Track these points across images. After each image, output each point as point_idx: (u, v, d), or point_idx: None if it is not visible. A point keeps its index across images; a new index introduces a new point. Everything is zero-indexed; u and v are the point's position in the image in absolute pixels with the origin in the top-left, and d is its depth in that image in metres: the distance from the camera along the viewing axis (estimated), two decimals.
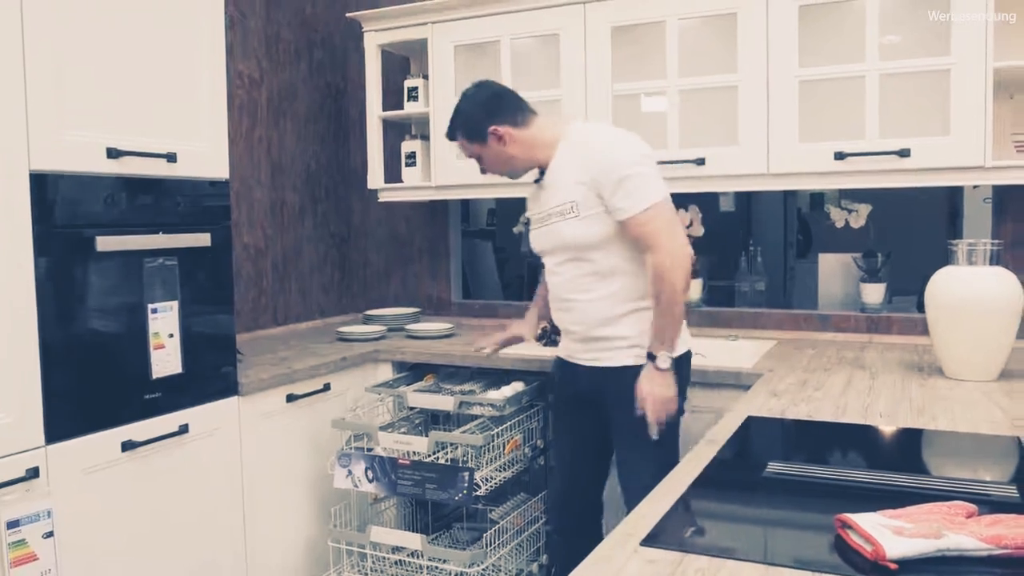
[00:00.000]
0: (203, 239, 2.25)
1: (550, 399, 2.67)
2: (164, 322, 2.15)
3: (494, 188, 3.13)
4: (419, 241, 3.67)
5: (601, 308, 2.15)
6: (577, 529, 2.34)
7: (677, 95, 2.77)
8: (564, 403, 2.35)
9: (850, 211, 2.93)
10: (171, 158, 2.16)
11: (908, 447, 1.71)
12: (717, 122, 2.74)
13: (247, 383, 2.41)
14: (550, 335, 2.87)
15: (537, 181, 2.25)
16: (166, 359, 2.16)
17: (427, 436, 2.50)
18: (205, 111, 2.28)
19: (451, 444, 2.48)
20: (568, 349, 2.29)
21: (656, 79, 2.80)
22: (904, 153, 2.47)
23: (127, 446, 2.06)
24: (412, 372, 2.91)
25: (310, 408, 2.66)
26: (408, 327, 3.23)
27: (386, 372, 2.94)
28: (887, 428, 1.77)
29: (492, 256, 4.18)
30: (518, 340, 2.57)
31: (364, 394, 2.81)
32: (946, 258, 2.24)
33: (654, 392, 2.06)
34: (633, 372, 2.12)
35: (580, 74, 2.89)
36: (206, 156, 2.28)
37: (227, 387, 2.36)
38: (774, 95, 2.63)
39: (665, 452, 2.11)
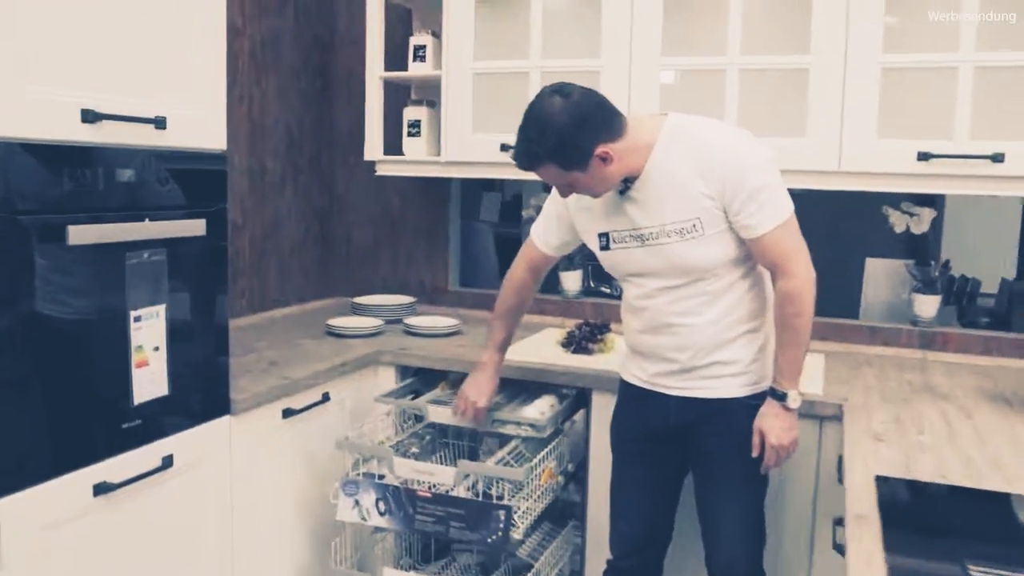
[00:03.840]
0: (197, 227, 1.81)
1: (587, 418, 2.33)
2: (149, 332, 1.72)
3: (515, 168, 2.74)
4: (413, 219, 3.25)
5: (713, 332, 1.83)
6: (645, 567, 2.07)
7: (737, 75, 2.42)
8: (640, 437, 1.99)
9: (912, 215, 2.65)
10: (160, 124, 1.71)
11: None
12: (782, 109, 2.40)
13: (240, 400, 2.00)
14: (579, 341, 2.53)
15: (622, 193, 1.82)
16: (150, 379, 1.73)
17: (438, 456, 2.14)
18: (200, 67, 1.83)
19: (484, 477, 2.11)
20: (651, 376, 1.94)
21: (713, 55, 2.44)
22: (997, 158, 2.19)
23: (100, 489, 1.64)
24: (417, 377, 2.53)
25: (308, 423, 2.26)
26: (406, 320, 2.84)
27: (388, 377, 2.55)
28: None
29: (490, 236, 3.78)
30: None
31: (363, 403, 2.42)
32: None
33: (780, 436, 1.80)
34: (740, 404, 1.85)
35: (624, 44, 2.50)
36: (201, 122, 1.84)
37: (218, 406, 1.95)
38: (851, 82, 2.30)
39: (756, 488, 1.92)
